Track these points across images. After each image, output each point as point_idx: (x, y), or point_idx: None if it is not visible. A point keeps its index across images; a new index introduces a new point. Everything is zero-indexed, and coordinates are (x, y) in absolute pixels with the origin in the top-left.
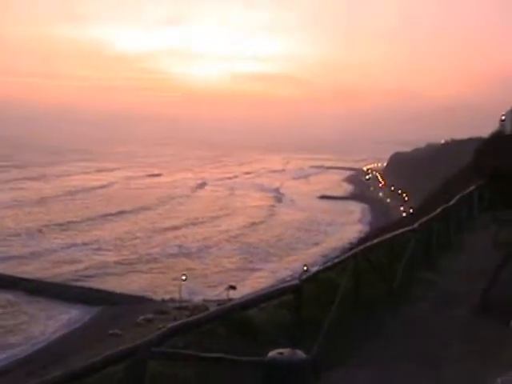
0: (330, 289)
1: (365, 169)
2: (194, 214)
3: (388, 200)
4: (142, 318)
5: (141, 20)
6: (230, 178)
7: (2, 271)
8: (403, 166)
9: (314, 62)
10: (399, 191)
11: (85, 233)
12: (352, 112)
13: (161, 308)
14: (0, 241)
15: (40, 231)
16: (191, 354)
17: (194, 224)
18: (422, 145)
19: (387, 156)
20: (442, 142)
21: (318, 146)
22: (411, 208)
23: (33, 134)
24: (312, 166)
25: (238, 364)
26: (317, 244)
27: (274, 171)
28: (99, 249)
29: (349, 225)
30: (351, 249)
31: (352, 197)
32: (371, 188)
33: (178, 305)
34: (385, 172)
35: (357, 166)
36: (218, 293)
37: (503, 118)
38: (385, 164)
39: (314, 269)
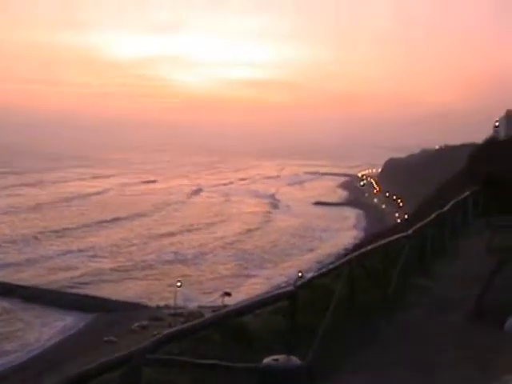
0: (325, 295)
1: (359, 175)
2: (189, 220)
3: (383, 206)
4: (136, 324)
5: (139, 27)
6: (225, 185)
7: None
8: (398, 171)
9: (309, 67)
10: (394, 197)
11: (80, 239)
12: (346, 118)
13: (156, 315)
14: None
15: (36, 238)
16: (186, 360)
17: (189, 230)
18: (417, 151)
19: (382, 162)
20: (436, 147)
21: (312, 151)
22: (406, 214)
23: (32, 140)
24: (307, 172)
25: (232, 370)
26: (312, 250)
27: (269, 177)
28: (95, 255)
29: (344, 231)
30: (346, 255)
31: (347, 203)
32: (366, 194)
33: (172, 311)
34: (379, 178)
35: (351, 171)
36: (213, 299)
37: (497, 123)
38: (379, 170)
39: (309, 275)
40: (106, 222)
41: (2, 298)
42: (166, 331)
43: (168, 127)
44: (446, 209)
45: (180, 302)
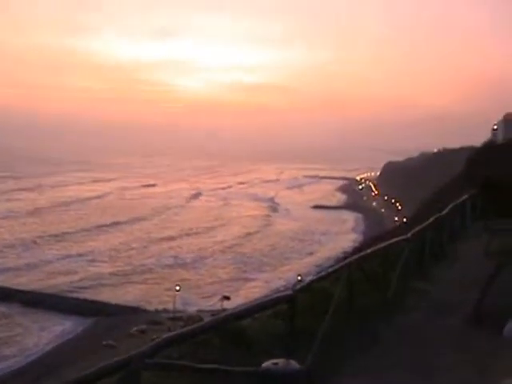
0: (324, 298)
1: (358, 178)
2: (188, 224)
3: (381, 209)
4: (135, 328)
5: (141, 32)
6: (224, 188)
7: None
8: (396, 175)
9: (307, 71)
10: (392, 200)
11: (80, 244)
12: (344, 120)
13: (155, 319)
14: None
15: (35, 242)
16: (185, 364)
17: (188, 234)
18: (415, 154)
19: (380, 165)
20: (435, 150)
21: (311, 155)
22: (404, 217)
23: (32, 144)
24: (306, 176)
25: (232, 374)
26: (311, 254)
27: (268, 181)
28: (94, 260)
29: (342, 234)
30: (345, 258)
31: (346, 206)
32: (364, 197)
33: (171, 315)
34: (378, 181)
35: (350, 175)
36: (213, 303)
37: (495, 127)
38: (378, 173)
39: (308, 279)
40: (106, 226)
41: (0, 303)
42: (165, 335)
43: (169, 131)
44: (444, 212)
45: (179, 306)
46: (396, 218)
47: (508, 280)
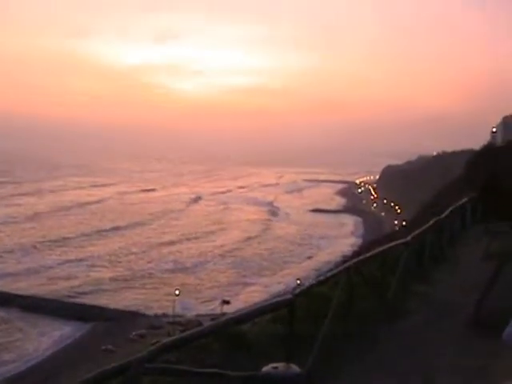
0: (324, 303)
1: (357, 182)
2: (188, 228)
3: (381, 213)
4: (135, 333)
5: (139, 35)
6: (223, 193)
7: None
8: (395, 178)
9: (305, 73)
10: (392, 204)
11: (79, 249)
12: (343, 123)
13: (154, 323)
14: None
15: (34, 247)
16: (185, 369)
17: (188, 239)
18: (414, 157)
19: (379, 168)
20: (434, 153)
21: (309, 158)
22: (404, 221)
23: (31, 148)
24: (305, 180)
25: (232, 379)
26: (310, 257)
27: (267, 185)
28: (94, 265)
29: (342, 238)
30: (344, 262)
31: (345, 210)
32: (364, 201)
33: (171, 320)
34: (377, 185)
35: (349, 178)
36: (212, 308)
37: (494, 129)
38: (377, 177)
39: (308, 283)
40: (105, 230)
41: (0, 308)
42: (165, 340)
43: (168, 135)
44: (444, 215)
45: (178, 311)
46: (396, 222)
47: (508, 282)
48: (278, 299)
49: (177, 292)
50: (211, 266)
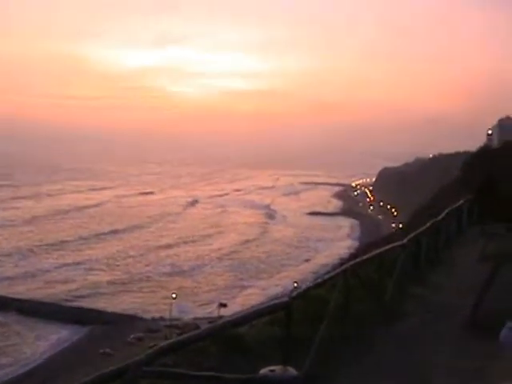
0: (321, 305)
1: (354, 184)
2: (186, 232)
3: (377, 215)
4: (132, 336)
5: (137, 39)
6: (221, 196)
7: None
8: (392, 181)
9: (301, 76)
10: (388, 206)
11: (77, 252)
12: (340, 125)
13: (151, 326)
14: None
15: (32, 251)
16: (182, 372)
17: (186, 242)
18: (411, 159)
19: (376, 171)
20: (430, 156)
21: (306, 160)
22: (400, 223)
23: (30, 152)
24: (301, 182)
25: (229, 382)
26: (307, 260)
27: (264, 188)
28: (92, 268)
29: (338, 241)
30: (341, 265)
31: (342, 213)
32: (360, 204)
33: (168, 323)
34: (374, 187)
35: (346, 181)
36: (210, 311)
37: (490, 132)
38: (374, 179)
39: (305, 285)
40: (103, 234)
41: None
42: (162, 343)
43: (167, 137)
44: (440, 217)
45: (176, 314)
46: (392, 224)
47: (504, 284)
48: (275, 302)
49: (174, 295)
50: (208, 269)
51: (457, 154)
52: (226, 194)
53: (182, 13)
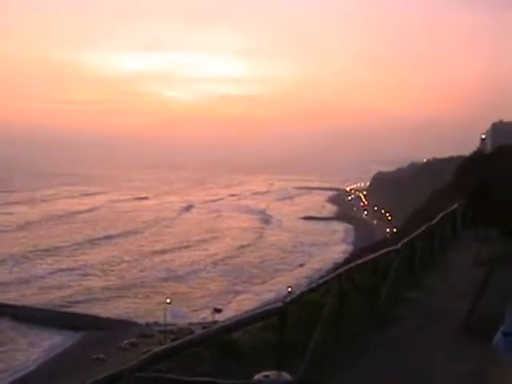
0: (315, 310)
1: (348, 189)
2: (181, 237)
3: (371, 220)
4: (126, 342)
5: (129, 44)
6: (215, 201)
7: None
8: (386, 185)
9: (295, 81)
10: (382, 211)
11: (71, 258)
12: (333, 131)
13: (145, 332)
14: None
15: (26, 257)
16: (176, 378)
17: (180, 248)
18: (405, 163)
19: (370, 175)
20: (424, 160)
21: (300, 165)
22: (394, 227)
23: (27, 156)
24: (296, 187)
25: None
26: (302, 265)
27: (258, 193)
28: (86, 274)
29: (333, 245)
30: (335, 269)
31: (336, 217)
32: (354, 208)
33: (162, 328)
34: (368, 192)
35: (340, 186)
36: (204, 316)
37: (483, 136)
38: (368, 184)
39: (299, 290)
40: (98, 239)
41: None
42: (156, 349)
43: (158, 143)
44: (434, 221)
45: (170, 319)
46: (387, 229)
47: (498, 288)
48: (269, 307)
49: (168, 300)
50: (203, 274)
51: (451, 159)
52: (221, 199)
53: (174, 18)
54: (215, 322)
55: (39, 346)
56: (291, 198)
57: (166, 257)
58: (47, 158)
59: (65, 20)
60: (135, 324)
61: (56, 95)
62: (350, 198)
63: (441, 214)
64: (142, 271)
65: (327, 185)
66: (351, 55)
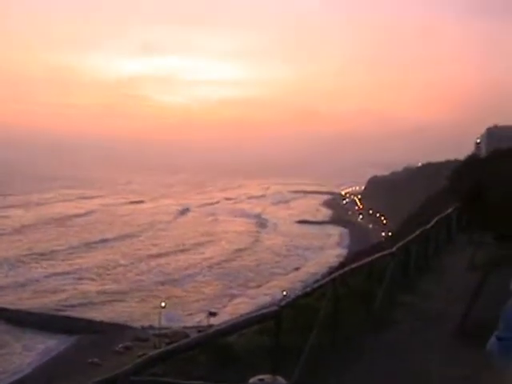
0: (310, 314)
1: (343, 193)
2: (176, 240)
3: (366, 224)
4: (121, 345)
5: (126, 48)
6: (211, 204)
7: None
8: (381, 189)
9: (290, 86)
10: (377, 215)
11: (67, 261)
12: (328, 134)
13: (140, 335)
14: None
15: (21, 260)
16: (171, 381)
17: (177, 251)
18: (400, 167)
19: (365, 179)
20: (419, 164)
21: (295, 169)
22: (389, 231)
23: (23, 160)
24: (291, 191)
25: None
26: (297, 269)
27: (254, 197)
28: (82, 278)
29: (328, 249)
30: (330, 273)
31: (331, 221)
32: (349, 212)
33: (157, 332)
34: (363, 195)
35: (335, 190)
36: (199, 320)
37: (478, 140)
38: (363, 187)
39: (294, 294)
40: (93, 243)
41: None
42: (151, 352)
43: (157, 146)
44: (429, 226)
45: (165, 323)
46: (382, 233)
47: (493, 292)
48: (264, 311)
49: (163, 304)
50: (199, 278)
51: (445, 163)
52: (217, 203)
53: (174, 22)
54: (210, 326)
55: (34, 350)
56: (287, 201)
57: (162, 260)
58: (47, 161)
59: (65, 24)
60: (130, 328)
61: (56, 99)
62: (345, 201)
63: (436, 218)
64: (137, 275)
65: (322, 189)
66: (348, 58)
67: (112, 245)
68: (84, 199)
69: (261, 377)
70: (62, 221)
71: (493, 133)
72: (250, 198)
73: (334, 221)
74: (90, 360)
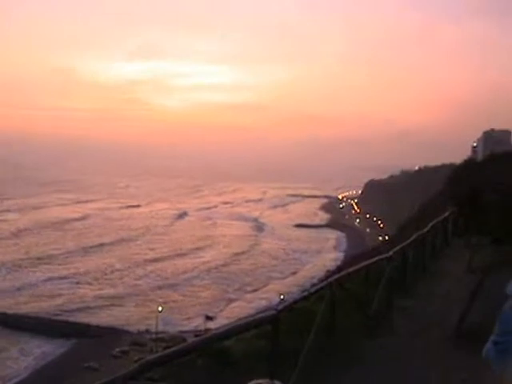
0: (307, 318)
1: (340, 197)
2: (174, 245)
3: (363, 227)
4: (118, 350)
5: (120, 52)
6: (209, 208)
7: None
8: (378, 193)
9: (284, 90)
10: (374, 218)
11: (64, 266)
12: (325, 137)
13: (137, 340)
14: None
15: (18, 265)
16: None
17: (174, 255)
18: (397, 171)
19: (362, 183)
20: (416, 168)
21: (292, 173)
22: (386, 235)
23: (20, 163)
24: (289, 195)
25: None
26: (294, 273)
27: (252, 200)
28: (78, 282)
29: (325, 253)
30: (328, 277)
31: (328, 225)
32: (347, 216)
33: (154, 336)
34: (360, 199)
35: (332, 193)
36: (196, 324)
37: (475, 144)
38: (360, 191)
39: (291, 298)
40: (90, 247)
41: None
42: (148, 357)
43: (154, 151)
44: (426, 229)
45: (162, 327)
46: (378, 236)
47: (490, 296)
48: (262, 315)
49: (160, 308)
50: (196, 282)
51: (442, 167)
52: (215, 207)
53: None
54: (207, 330)
55: (30, 354)
56: (284, 205)
57: (160, 265)
58: (44, 165)
59: (64, 28)
60: (127, 332)
61: (55, 102)
62: (342, 205)
63: (432, 222)
64: (135, 279)
65: (319, 192)
66: (341, 62)
67: (109, 249)
68: (81, 203)
69: (258, 381)
70: (59, 225)
71: (489, 137)
72: (247, 201)
73: (331, 225)
74: (86, 364)
